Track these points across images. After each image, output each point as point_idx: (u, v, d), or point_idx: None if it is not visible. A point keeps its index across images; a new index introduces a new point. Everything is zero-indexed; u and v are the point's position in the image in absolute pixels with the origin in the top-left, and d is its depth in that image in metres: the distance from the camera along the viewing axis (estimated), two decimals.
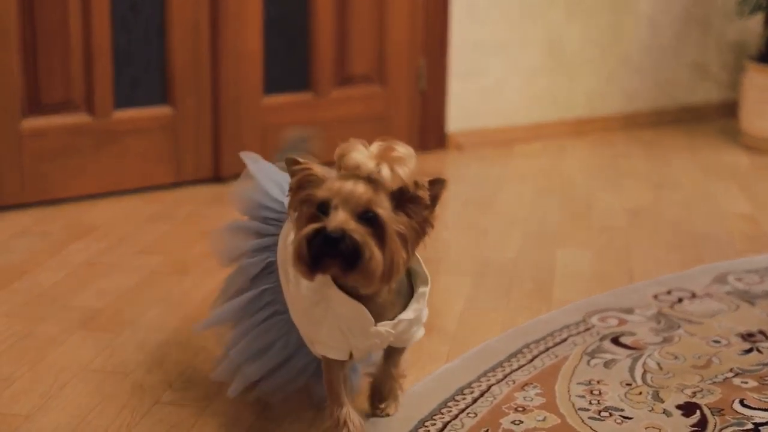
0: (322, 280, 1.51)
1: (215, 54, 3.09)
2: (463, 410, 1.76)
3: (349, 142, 1.46)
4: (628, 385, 1.86)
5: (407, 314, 1.56)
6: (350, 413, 1.61)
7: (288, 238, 1.59)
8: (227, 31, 3.09)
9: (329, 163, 1.49)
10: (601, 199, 3.14)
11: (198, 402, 1.81)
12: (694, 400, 1.80)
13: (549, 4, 3.75)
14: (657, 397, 1.81)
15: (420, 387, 1.84)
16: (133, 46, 2.98)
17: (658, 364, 1.95)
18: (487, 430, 1.70)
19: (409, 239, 1.44)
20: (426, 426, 1.70)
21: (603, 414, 1.75)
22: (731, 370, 1.93)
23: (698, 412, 1.76)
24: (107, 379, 1.89)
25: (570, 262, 2.57)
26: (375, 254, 1.40)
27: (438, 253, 2.58)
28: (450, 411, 1.75)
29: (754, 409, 1.77)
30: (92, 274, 2.42)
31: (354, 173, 1.42)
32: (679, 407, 1.78)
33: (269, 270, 1.71)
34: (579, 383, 1.86)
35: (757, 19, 3.98)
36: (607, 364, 1.94)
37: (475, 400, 1.79)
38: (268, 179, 1.79)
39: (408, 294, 1.57)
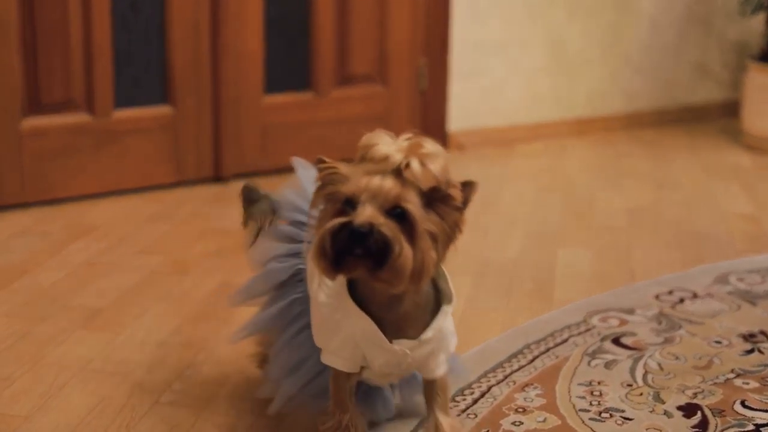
0: (341, 287, 1.46)
1: (215, 53, 3.09)
2: (463, 411, 1.75)
3: (375, 133, 1.40)
4: (628, 385, 1.85)
5: (427, 334, 1.47)
6: (353, 419, 1.55)
7: None
8: (227, 30, 3.09)
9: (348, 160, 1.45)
10: (602, 198, 3.13)
11: (198, 402, 1.81)
12: (695, 401, 1.80)
13: (550, 3, 3.75)
14: (658, 398, 1.81)
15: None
16: (133, 46, 2.98)
17: (659, 364, 1.94)
18: (488, 430, 1.69)
19: (439, 240, 1.37)
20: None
21: (603, 415, 1.75)
22: (732, 370, 1.92)
23: (699, 413, 1.75)
24: (107, 379, 1.88)
25: (571, 262, 2.56)
26: (405, 250, 1.32)
27: None
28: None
29: (755, 410, 1.77)
30: (92, 273, 2.42)
31: (381, 167, 1.35)
32: (680, 408, 1.77)
33: (298, 278, 1.66)
34: (579, 384, 1.86)
35: (759, 19, 3.97)
36: (607, 365, 1.94)
37: (475, 401, 1.78)
38: (313, 186, 1.72)
39: (433, 312, 1.48)
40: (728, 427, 1.70)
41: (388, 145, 1.36)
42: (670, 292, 2.31)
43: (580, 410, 1.76)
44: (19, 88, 2.80)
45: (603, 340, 2.05)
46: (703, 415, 1.74)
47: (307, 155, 3.33)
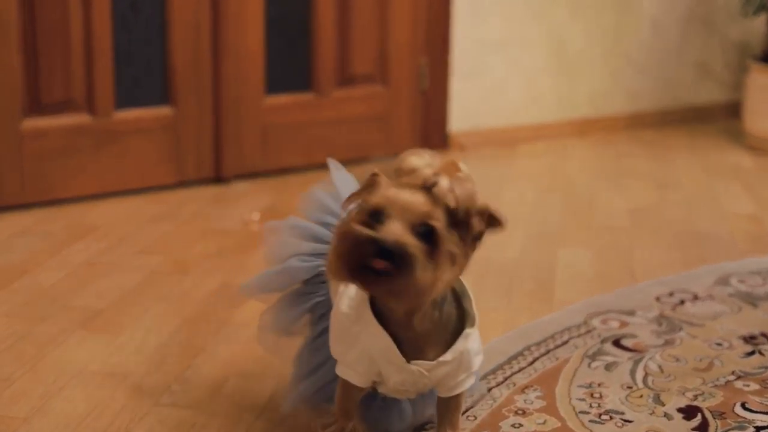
0: (362, 299, 1.44)
1: (216, 54, 3.09)
2: (463, 413, 1.74)
3: (414, 150, 1.37)
4: (629, 387, 1.85)
5: (446, 356, 1.43)
6: (356, 427, 1.52)
7: None
8: (228, 30, 3.09)
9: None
10: (603, 199, 3.13)
11: (197, 403, 1.80)
12: (695, 403, 1.79)
13: (551, 3, 3.74)
14: (658, 400, 1.80)
15: None
16: (133, 46, 2.98)
17: (660, 366, 1.94)
18: None
19: (457, 261, 1.34)
20: (426, 429, 1.69)
21: (603, 417, 1.74)
22: (733, 372, 1.92)
23: (699, 415, 1.75)
24: (106, 381, 1.88)
25: (571, 262, 2.56)
26: (426, 273, 1.29)
27: None
28: None
29: (756, 412, 1.76)
30: (92, 274, 2.41)
31: (411, 182, 1.33)
32: (680, 410, 1.77)
33: (320, 279, 1.63)
34: (580, 386, 1.85)
35: (761, 20, 3.97)
36: (608, 367, 1.93)
37: (475, 403, 1.78)
38: (346, 188, 1.69)
39: (455, 332, 1.44)
40: (728, 430, 1.70)
41: (420, 158, 1.34)
42: (671, 294, 2.31)
43: (580, 412, 1.76)
44: (20, 88, 2.80)
45: (603, 341, 2.05)
46: (704, 418, 1.74)
47: (308, 156, 3.38)
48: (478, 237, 1.37)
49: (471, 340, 1.45)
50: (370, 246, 1.29)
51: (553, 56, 3.80)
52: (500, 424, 1.71)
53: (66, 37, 2.84)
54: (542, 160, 3.59)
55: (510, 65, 3.71)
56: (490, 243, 2.84)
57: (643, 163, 3.57)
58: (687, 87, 4.12)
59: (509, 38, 3.68)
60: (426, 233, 1.30)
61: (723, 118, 4.14)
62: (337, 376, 1.53)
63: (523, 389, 1.83)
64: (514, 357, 1.96)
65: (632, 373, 1.91)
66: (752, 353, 2.01)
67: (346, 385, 1.50)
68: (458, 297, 1.46)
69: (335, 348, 1.50)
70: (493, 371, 1.90)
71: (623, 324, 2.14)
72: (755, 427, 1.70)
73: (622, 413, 1.76)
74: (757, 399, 1.81)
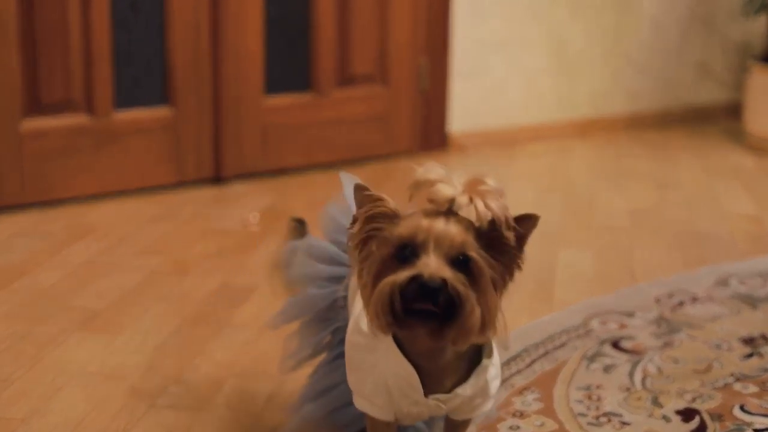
0: None
1: (216, 54, 3.09)
2: None
3: (429, 168, 1.26)
4: (627, 389, 1.85)
5: (464, 389, 1.34)
6: None
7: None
8: (228, 30, 3.09)
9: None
10: (603, 199, 3.13)
11: (194, 405, 1.80)
12: (693, 405, 1.79)
13: (552, 3, 3.74)
14: (656, 402, 1.80)
15: None
16: (133, 46, 2.98)
17: (659, 368, 1.94)
18: None
19: (498, 285, 1.26)
20: None
21: (601, 419, 1.74)
22: (732, 374, 1.91)
23: (698, 417, 1.74)
24: (104, 382, 1.88)
25: (572, 263, 2.56)
26: (476, 308, 1.21)
27: None
28: None
29: (755, 414, 1.76)
30: (92, 274, 2.41)
31: (437, 206, 1.24)
32: (678, 412, 1.76)
33: (339, 304, 1.57)
34: (578, 388, 1.85)
35: (762, 20, 3.96)
36: (606, 369, 1.93)
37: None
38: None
39: (473, 359, 1.35)
40: None
41: (449, 185, 1.24)
42: (671, 295, 2.31)
43: (577, 414, 1.75)
44: (19, 88, 2.80)
45: (602, 343, 2.04)
46: (702, 420, 1.73)
47: (308, 156, 3.38)
48: (518, 249, 1.27)
49: (492, 366, 1.37)
50: (412, 288, 1.20)
51: (554, 56, 3.79)
52: (498, 426, 1.71)
53: (65, 37, 2.84)
54: (542, 160, 3.59)
55: (510, 65, 3.71)
56: None
57: (644, 163, 3.57)
58: (687, 87, 4.11)
59: (509, 38, 3.68)
60: (464, 263, 1.23)
61: (723, 118, 4.14)
62: (347, 403, 1.48)
63: (521, 391, 1.83)
64: (513, 358, 1.96)
65: (631, 375, 1.91)
66: (751, 355, 2.00)
67: (372, 420, 1.42)
68: None
69: (352, 378, 1.42)
70: None
71: (622, 325, 2.14)
72: (754, 430, 1.70)
73: (620, 415, 1.75)
74: (756, 401, 1.80)
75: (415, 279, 1.20)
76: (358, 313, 1.39)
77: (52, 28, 2.82)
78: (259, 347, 2.04)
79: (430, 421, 1.56)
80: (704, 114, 4.15)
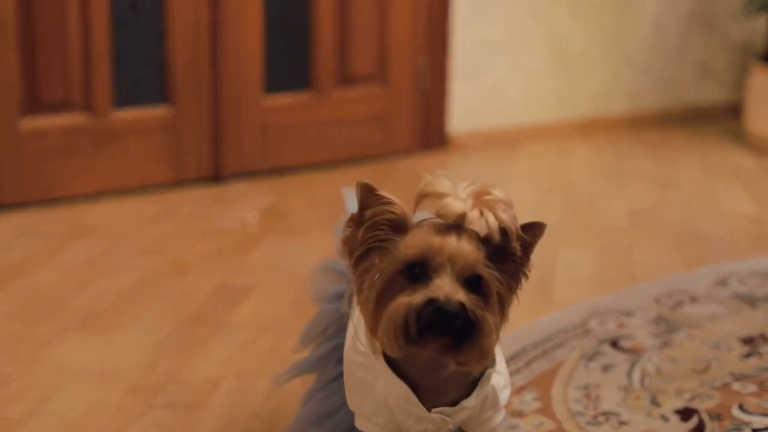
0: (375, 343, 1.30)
1: (215, 53, 3.08)
2: None
3: (435, 179, 1.21)
4: (625, 389, 1.84)
5: (469, 401, 1.29)
6: None
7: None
8: (227, 30, 3.08)
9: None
10: (603, 199, 3.12)
11: (191, 405, 1.80)
12: (692, 404, 1.78)
13: (552, 3, 3.74)
14: (655, 402, 1.80)
15: None
16: (132, 45, 2.97)
17: (657, 368, 1.93)
18: None
19: (505, 299, 1.22)
20: None
21: (600, 419, 1.74)
22: (731, 374, 1.91)
23: (696, 417, 1.74)
24: (102, 382, 1.88)
25: (572, 263, 2.55)
26: (492, 330, 1.18)
27: None
28: None
29: (753, 414, 1.75)
30: (91, 274, 2.41)
31: (444, 220, 1.19)
32: (676, 412, 1.76)
33: (343, 322, 1.51)
34: (576, 387, 1.85)
35: (763, 19, 3.96)
36: (605, 368, 1.93)
37: None
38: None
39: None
40: (726, 431, 1.70)
41: (459, 200, 1.19)
42: (670, 295, 2.30)
43: (576, 414, 1.75)
44: (18, 87, 2.80)
45: (601, 343, 2.04)
46: (700, 419, 1.73)
47: (308, 155, 3.37)
48: (525, 258, 1.24)
49: (494, 379, 1.32)
50: (428, 312, 1.16)
51: (554, 56, 3.79)
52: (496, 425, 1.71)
53: (64, 36, 2.84)
54: (542, 160, 3.59)
55: (510, 65, 3.71)
56: None
57: (644, 163, 3.57)
58: (688, 87, 4.11)
59: (509, 38, 3.68)
60: (474, 282, 1.19)
61: (724, 118, 4.13)
62: (350, 428, 1.42)
63: (519, 390, 1.83)
64: (511, 358, 1.96)
65: (629, 374, 1.90)
66: (750, 355, 2.00)
67: None
68: None
69: (351, 399, 1.38)
70: None
71: (621, 325, 2.13)
72: (753, 429, 1.70)
73: (619, 415, 1.75)
74: (755, 401, 1.80)
75: (431, 303, 1.16)
76: (355, 332, 1.35)
77: (52, 27, 2.82)
78: (257, 347, 2.04)
79: None
80: (704, 114, 4.14)
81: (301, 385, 1.86)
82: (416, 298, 1.17)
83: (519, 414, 1.74)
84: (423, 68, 3.50)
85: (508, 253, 1.21)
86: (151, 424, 1.73)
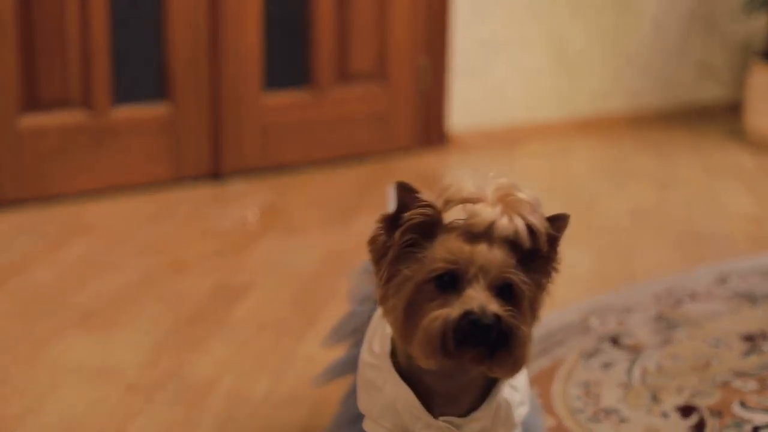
0: (384, 348, 1.29)
1: (215, 51, 3.08)
2: None
3: (460, 184, 1.18)
4: (626, 386, 1.84)
5: (477, 414, 1.26)
6: None
7: None
8: (227, 28, 3.08)
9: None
10: (604, 198, 3.12)
11: (191, 402, 1.79)
12: (692, 402, 1.78)
13: (552, 2, 3.73)
14: (655, 399, 1.79)
15: None
16: (131, 43, 2.97)
17: (658, 365, 1.93)
18: None
19: (536, 300, 1.20)
20: None
21: (600, 416, 1.73)
22: (732, 371, 1.90)
23: (697, 414, 1.74)
24: (101, 379, 1.87)
25: (572, 262, 2.53)
26: (526, 340, 1.16)
27: None
28: None
29: (754, 411, 1.75)
30: (90, 272, 2.40)
31: (473, 227, 1.16)
32: (677, 409, 1.75)
33: None
34: (576, 385, 1.84)
35: (763, 18, 3.96)
36: (605, 366, 1.92)
37: None
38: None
39: (489, 379, 1.27)
40: (726, 428, 1.69)
41: (484, 201, 1.16)
42: (670, 293, 2.30)
43: (576, 411, 1.74)
44: (17, 85, 2.79)
45: (601, 340, 2.03)
46: (701, 416, 1.73)
47: (307, 154, 3.37)
48: (553, 252, 1.22)
49: (509, 393, 1.29)
50: (464, 325, 1.13)
51: (554, 55, 3.78)
52: None
53: (63, 34, 2.83)
54: (543, 159, 3.58)
55: (510, 64, 3.70)
56: None
57: (644, 162, 3.56)
58: (688, 86, 4.11)
59: (510, 37, 3.67)
60: (505, 290, 1.16)
61: (724, 116, 4.13)
62: None
63: None
64: None
65: (629, 371, 1.90)
66: (751, 353, 1.99)
67: None
68: None
69: (361, 400, 1.35)
70: None
71: (621, 323, 2.13)
72: (753, 426, 1.69)
73: (619, 412, 1.74)
74: (755, 398, 1.79)
75: (467, 315, 1.13)
76: (372, 333, 1.35)
77: (50, 25, 2.81)
78: (256, 345, 2.03)
79: None
80: (705, 113, 4.14)
81: (295, 385, 1.86)
82: (452, 311, 1.14)
83: None
84: (423, 67, 3.49)
85: (536, 252, 1.19)
86: (151, 422, 1.72)
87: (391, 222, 1.21)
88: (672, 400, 1.78)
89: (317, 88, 3.29)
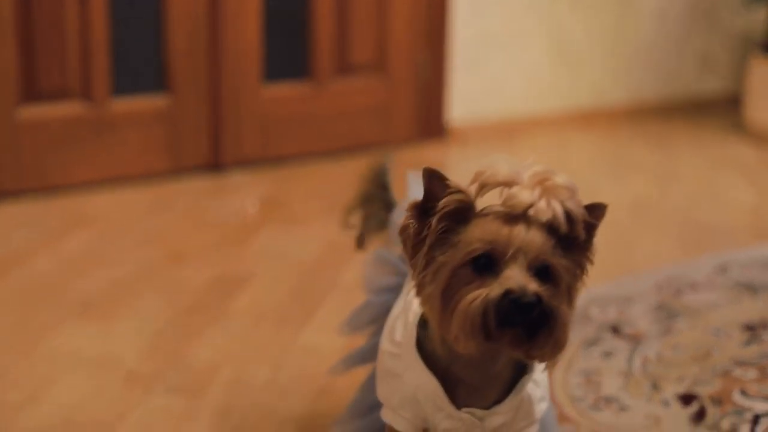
0: (409, 337, 1.26)
1: (214, 43, 3.07)
2: None
3: (496, 167, 1.17)
4: (626, 375, 1.84)
5: (502, 407, 1.24)
6: None
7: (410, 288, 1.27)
8: (226, 19, 3.07)
9: None
10: (604, 190, 3.11)
11: (190, 391, 1.79)
12: (693, 390, 1.78)
13: None
14: (656, 387, 1.79)
15: None
16: (131, 35, 2.96)
17: (658, 354, 1.93)
18: None
19: (572, 288, 1.17)
20: None
21: (600, 404, 1.73)
22: (732, 360, 1.90)
23: (697, 402, 1.73)
24: (101, 368, 1.87)
25: None
26: (567, 320, 1.13)
27: None
28: None
29: (754, 399, 1.74)
30: (89, 263, 2.40)
31: (511, 209, 1.14)
32: (677, 397, 1.75)
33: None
34: (577, 373, 1.84)
35: (763, 11, 3.95)
36: (605, 355, 1.92)
37: None
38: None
39: (515, 371, 1.25)
40: (726, 416, 1.68)
41: (526, 190, 1.14)
42: (671, 283, 2.29)
43: (577, 399, 1.74)
44: (16, 76, 2.78)
45: (601, 329, 2.03)
46: (701, 405, 1.72)
47: (307, 145, 3.36)
48: (589, 242, 1.20)
49: (531, 388, 1.27)
50: (504, 304, 1.11)
51: (554, 47, 3.78)
52: None
53: (62, 25, 2.82)
54: (543, 152, 3.58)
55: (511, 56, 3.69)
56: None
57: (645, 155, 3.56)
58: (688, 79, 4.10)
59: (510, 29, 3.67)
60: (543, 272, 1.14)
61: (724, 109, 4.12)
62: None
63: None
64: None
65: (630, 360, 1.89)
66: (751, 342, 1.99)
67: (391, 430, 1.33)
68: None
69: (380, 389, 1.33)
70: None
71: (622, 312, 2.13)
72: (753, 414, 1.69)
73: (620, 400, 1.74)
74: (756, 387, 1.79)
75: (506, 295, 1.11)
76: (392, 322, 1.33)
77: (49, 16, 2.80)
78: (256, 335, 2.03)
79: None
80: (705, 105, 4.13)
81: (295, 375, 1.86)
82: (492, 291, 1.11)
83: None
84: (422, 59, 3.49)
85: (572, 239, 1.17)
86: (150, 411, 1.72)
87: (420, 210, 1.18)
88: (672, 389, 1.78)
89: (317, 80, 3.29)
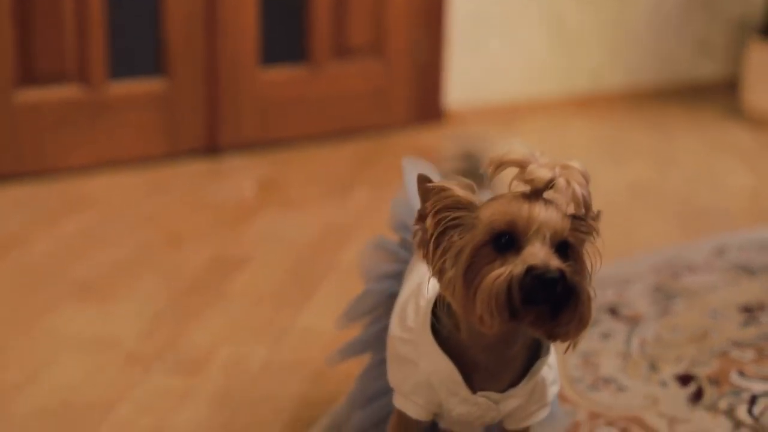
0: (423, 321, 1.26)
1: (211, 25, 3.06)
2: None
3: (513, 147, 1.17)
4: (624, 356, 1.84)
5: (517, 390, 1.25)
6: None
7: (416, 274, 1.31)
8: (224, 2, 3.06)
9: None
10: (602, 174, 3.11)
11: (189, 372, 1.79)
12: (691, 371, 1.78)
13: None
14: (654, 368, 1.79)
15: None
16: (128, 18, 2.95)
17: (656, 335, 1.93)
18: None
19: (590, 271, 1.18)
20: None
21: (599, 384, 1.73)
22: (730, 342, 1.90)
23: (695, 382, 1.74)
24: (100, 349, 1.87)
25: None
26: (589, 296, 1.13)
27: None
28: None
29: (752, 380, 1.75)
30: (87, 245, 2.40)
31: (528, 188, 1.14)
32: (675, 378, 1.76)
33: (393, 302, 1.44)
34: (575, 354, 1.84)
35: None
36: (604, 336, 1.92)
37: None
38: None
39: (529, 355, 1.25)
40: (724, 396, 1.69)
41: (543, 166, 1.14)
42: (669, 264, 2.30)
43: (575, 380, 1.75)
44: (12, 59, 2.77)
45: (600, 311, 2.03)
46: (699, 385, 1.73)
47: (304, 129, 3.36)
48: (596, 233, 1.21)
49: (547, 369, 1.27)
50: (527, 280, 1.09)
51: (553, 31, 3.77)
52: None
53: (59, 8, 2.82)
54: (540, 135, 3.58)
55: (509, 40, 3.69)
56: None
57: (643, 138, 3.56)
58: (686, 62, 4.10)
59: (508, 13, 3.66)
60: (562, 248, 1.14)
61: (722, 93, 4.12)
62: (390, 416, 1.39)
63: None
64: None
65: (628, 342, 1.90)
66: (749, 323, 1.99)
67: (402, 417, 1.32)
68: None
69: (392, 375, 1.33)
70: None
71: (620, 294, 2.13)
72: (751, 394, 1.69)
73: (618, 381, 1.75)
74: (753, 368, 1.80)
75: (530, 271, 1.10)
76: (402, 308, 1.33)
77: None
78: (253, 316, 2.03)
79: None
80: (703, 89, 4.13)
81: (293, 356, 1.86)
82: (515, 267, 1.10)
83: None
84: (420, 42, 3.48)
85: (581, 227, 1.17)
86: (149, 392, 1.72)
87: (422, 218, 1.19)
88: (670, 370, 1.78)
89: (314, 63, 3.28)
